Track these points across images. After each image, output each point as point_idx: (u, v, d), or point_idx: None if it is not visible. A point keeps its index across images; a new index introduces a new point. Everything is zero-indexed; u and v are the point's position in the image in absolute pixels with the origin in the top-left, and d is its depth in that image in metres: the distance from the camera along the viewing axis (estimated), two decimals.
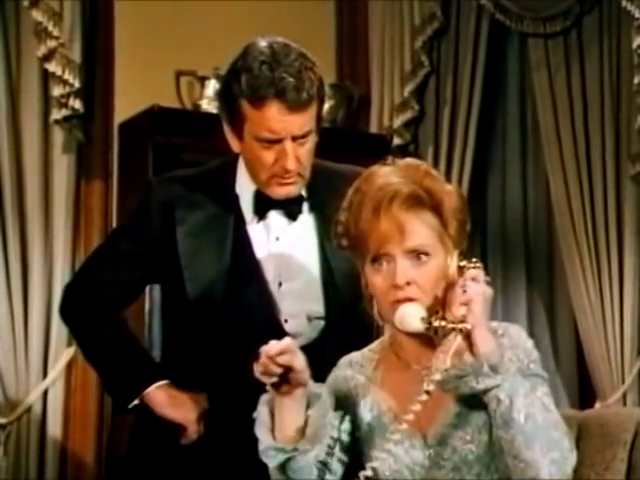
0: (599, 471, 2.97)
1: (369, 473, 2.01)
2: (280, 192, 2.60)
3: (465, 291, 2.01)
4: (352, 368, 2.21)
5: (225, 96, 2.59)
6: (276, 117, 2.50)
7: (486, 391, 1.96)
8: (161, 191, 2.70)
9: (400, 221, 2.04)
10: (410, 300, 2.03)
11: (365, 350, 2.24)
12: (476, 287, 2.01)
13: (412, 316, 2.02)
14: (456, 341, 1.96)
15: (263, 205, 2.63)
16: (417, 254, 2.05)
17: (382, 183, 2.07)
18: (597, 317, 4.29)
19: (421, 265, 2.05)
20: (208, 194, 2.66)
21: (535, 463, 1.94)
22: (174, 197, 2.66)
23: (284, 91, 2.48)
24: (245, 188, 2.66)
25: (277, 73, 2.49)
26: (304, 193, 2.66)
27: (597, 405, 4.28)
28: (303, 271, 2.63)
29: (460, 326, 1.97)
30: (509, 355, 2.02)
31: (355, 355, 2.24)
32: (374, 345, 2.24)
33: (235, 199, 2.66)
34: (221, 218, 2.64)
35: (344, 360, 2.24)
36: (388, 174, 2.09)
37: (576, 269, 4.35)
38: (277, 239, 2.64)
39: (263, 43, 2.55)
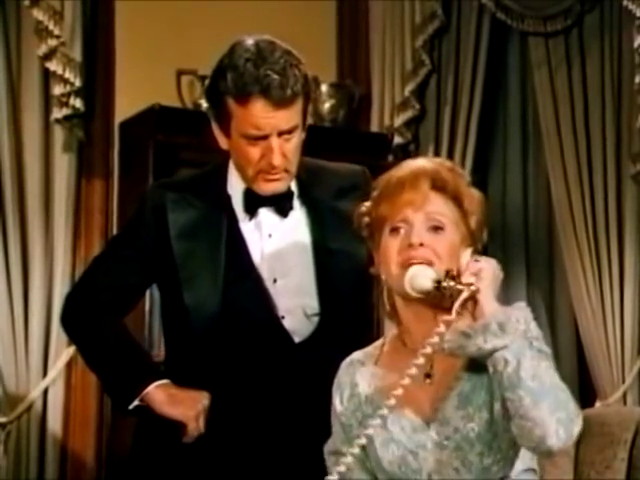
0: (600, 470, 2.97)
1: (363, 441, 2.03)
2: (267, 188, 2.61)
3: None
4: (353, 366, 2.24)
5: (212, 94, 2.61)
6: (261, 114, 2.52)
7: (493, 352, 1.98)
8: (154, 196, 2.73)
9: (424, 192, 2.11)
10: (423, 261, 2.08)
11: (368, 348, 2.26)
12: (488, 261, 2.08)
13: (422, 276, 2.06)
14: (462, 295, 2.01)
15: (253, 203, 2.65)
16: (433, 227, 2.11)
17: (407, 165, 2.18)
18: (597, 316, 4.29)
19: (437, 235, 2.11)
20: (200, 196, 2.69)
21: (542, 422, 1.97)
22: (166, 200, 2.68)
23: (269, 88, 2.50)
24: (236, 188, 2.67)
25: (262, 70, 2.51)
26: (295, 189, 2.68)
27: (597, 404, 4.28)
28: (297, 267, 2.64)
29: (469, 287, 2.02)
30: (516, 315, 2.03)
31: (356, 354, 2.26)
32: (377, 343, 2.26)
33: (227, 199, 2.68)
34: (214, 218, 2.66)
35: (345, 361, 2.26)
36: (416, 161, 2.20)
37: (576, 268, 4.35)
38: (270, 236, 2.65)
39: (249, 41, 2.58)
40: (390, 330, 2.27)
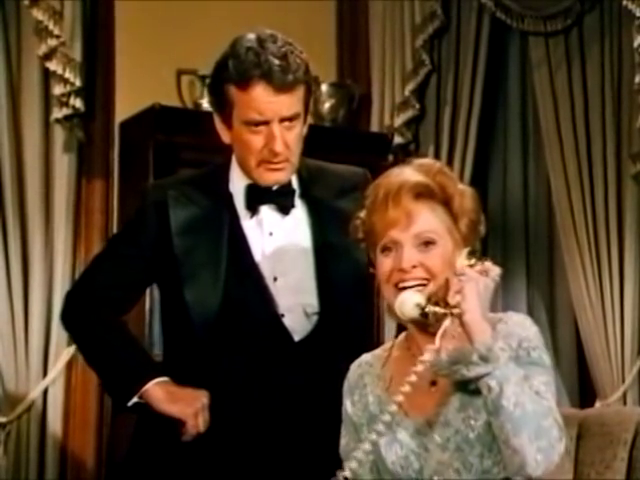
0: (599, 470, 2.97)
1: (359, 455, 2.04)
2: (269, 178, 2.62)
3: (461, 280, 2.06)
4: (361, 368, 2.26)
5: (214, 85, 2.63)
6: (263, 98, 2.53)
7: (477, 378, 2.00)
8: (155, 193, 2.74)
9: (407, 208, 2.11)
10: (418, 281, 2.08)
11: (377, 350, 2.28)
12: (472, 275, 2.05)
13: (408, 303, 2.06)
14: (445, 323, 2.01)
15: (255, 198, 2.65)
16: (424, 242, 2.11)
17: (395, 175, 2.15)
18: (597, 315, 4.29)
19: (429, 250, 2.11)
20: (202, 193, 2.69)
21: (522, 450, 1.98)
22: (168, 197, 2.69)
23: (270, 72, 2.52)
24: (238, 185, 2.68)
25: (263, 56, 2.53)
26: (296, 187, 2.67)
27: (597, 404, 4.28)
28: (297, 265, 2.65)
29: (452, 310, 2.01)
30: (500, 344, 2.04)
31: (365, 356, 2.29)
32: (386, 345, 2.28)
33: (229, 197, 2.68)
34: (215, 215, 2.66)
35: (355, 363, 2.28)
36: (403, 169, 2.17)
37: (577, 267, 4.35)
38: (271, 234, 2.66)
39: (251, 34, 2.60)
40: (390, 330, 2.28)
